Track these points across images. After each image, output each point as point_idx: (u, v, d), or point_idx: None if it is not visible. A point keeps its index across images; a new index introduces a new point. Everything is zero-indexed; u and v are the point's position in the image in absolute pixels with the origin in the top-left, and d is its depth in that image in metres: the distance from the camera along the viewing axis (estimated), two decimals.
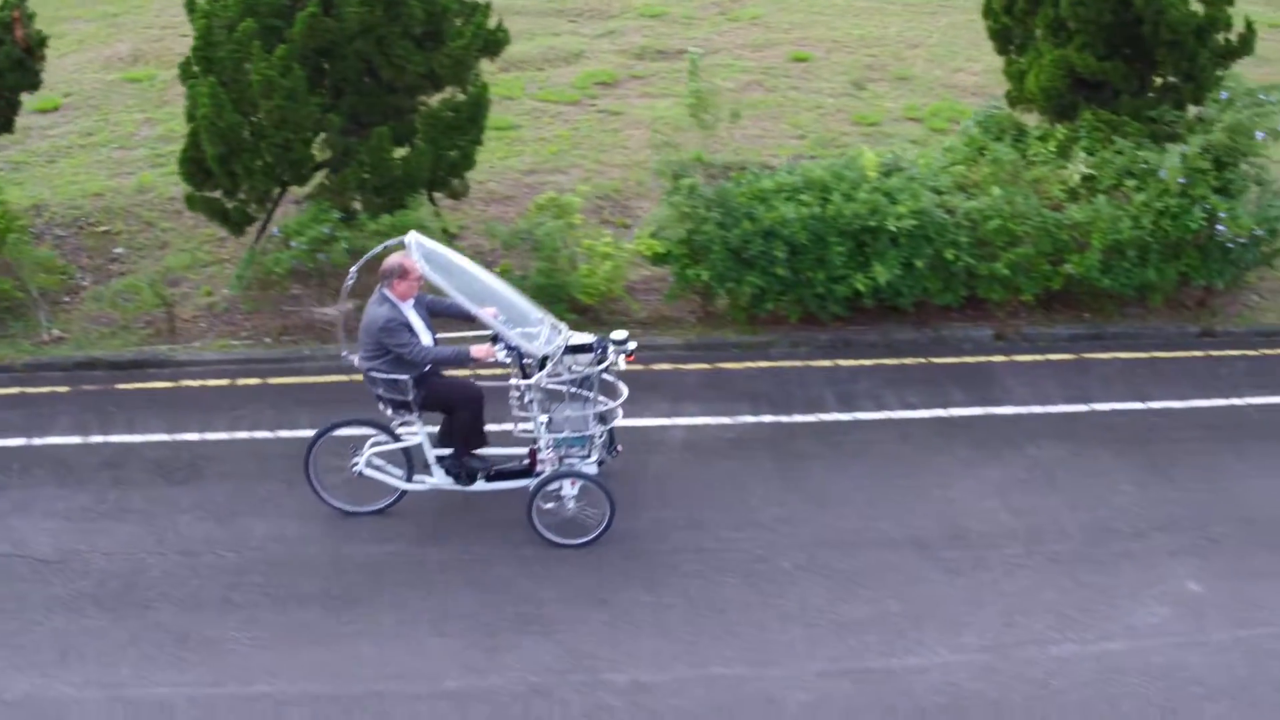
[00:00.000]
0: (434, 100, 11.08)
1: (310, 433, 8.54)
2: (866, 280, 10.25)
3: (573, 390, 8.04)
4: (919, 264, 10.33)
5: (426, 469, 8.37)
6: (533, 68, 16.46)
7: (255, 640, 7.44)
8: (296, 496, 8.53)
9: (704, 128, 10.41)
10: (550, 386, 8.01)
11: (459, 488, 8.37)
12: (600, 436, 8.15)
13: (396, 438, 8.41)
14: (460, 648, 7.46)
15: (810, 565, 8.16)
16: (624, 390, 8.27)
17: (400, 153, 10.77)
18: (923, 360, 10.42)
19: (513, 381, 8.06)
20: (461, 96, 11.00)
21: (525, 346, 7.92)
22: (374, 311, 8.02)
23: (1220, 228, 10.41)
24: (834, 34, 17.72)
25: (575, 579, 7.96)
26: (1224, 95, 10.82)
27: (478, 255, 11.11)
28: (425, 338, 8.14)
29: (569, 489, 8.09)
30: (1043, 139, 11.21)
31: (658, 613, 7.76)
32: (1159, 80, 11.51)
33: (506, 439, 8.47)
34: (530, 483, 8.22)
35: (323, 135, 10.69)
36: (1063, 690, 7.22)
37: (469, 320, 8.19)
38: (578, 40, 17.26)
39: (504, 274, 10.32)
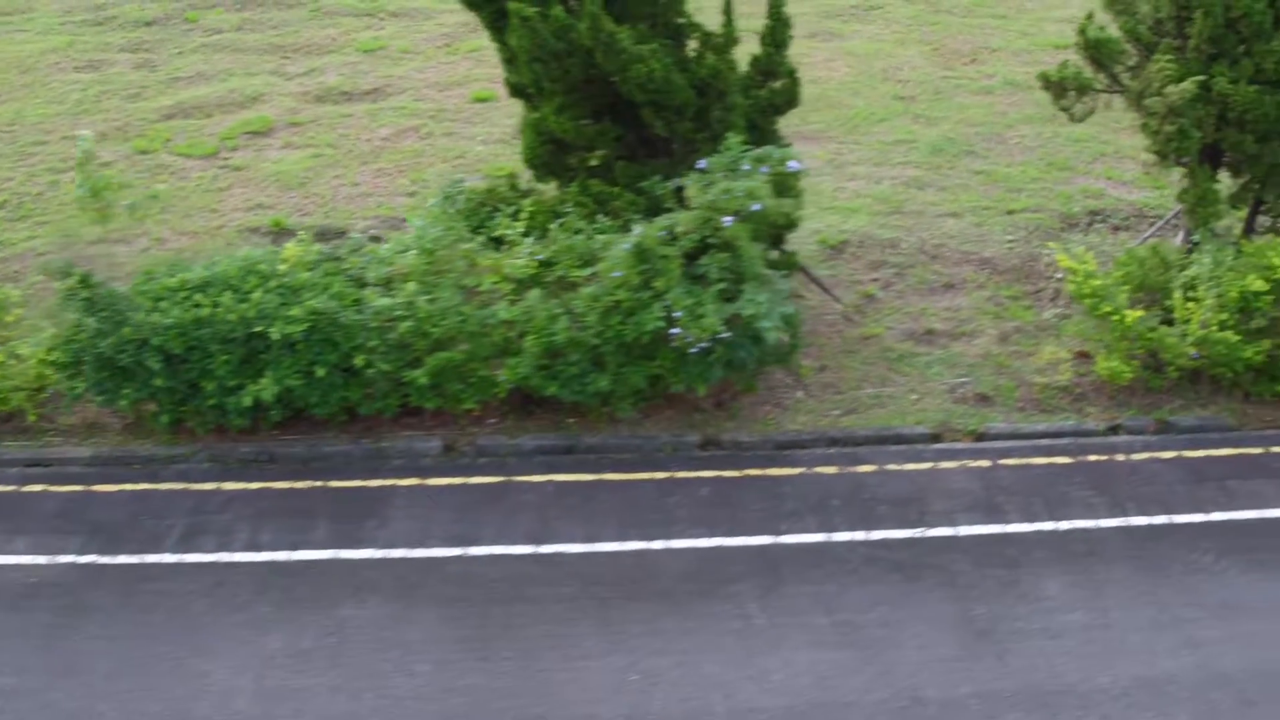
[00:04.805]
0: None
1: None
2: (256, 391, 9.12)
3: None
4: (320, 372, 9.14)
5: None
6: (202, 114, 15.62)
7: None
8: None
9: (100, 221, 9.36)
10: None
11: None
12: None
13: None
14: None
15: None
16: None
17: None
18: (319, 484, 9.04)
19: None
20: None
21: None
22: None
23: (675, 330, 8.85)
24: None
25: None
26: (702, 164, 9.19)
27: None
28: None
29: None
30: (515, 216, 9.82)
31: None
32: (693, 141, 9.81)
33: None
34: None
35: None
36: None
37: None
38: (266, 81, 16.22)
39: None
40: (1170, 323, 10.15)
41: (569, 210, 9.70)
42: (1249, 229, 11.31)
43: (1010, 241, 12.31)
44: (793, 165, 8.96)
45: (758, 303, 8.87)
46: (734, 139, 9.35)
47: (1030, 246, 12.22)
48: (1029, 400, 10.09)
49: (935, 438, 9.62)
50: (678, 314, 8.75)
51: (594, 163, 9.91)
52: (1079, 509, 8.78)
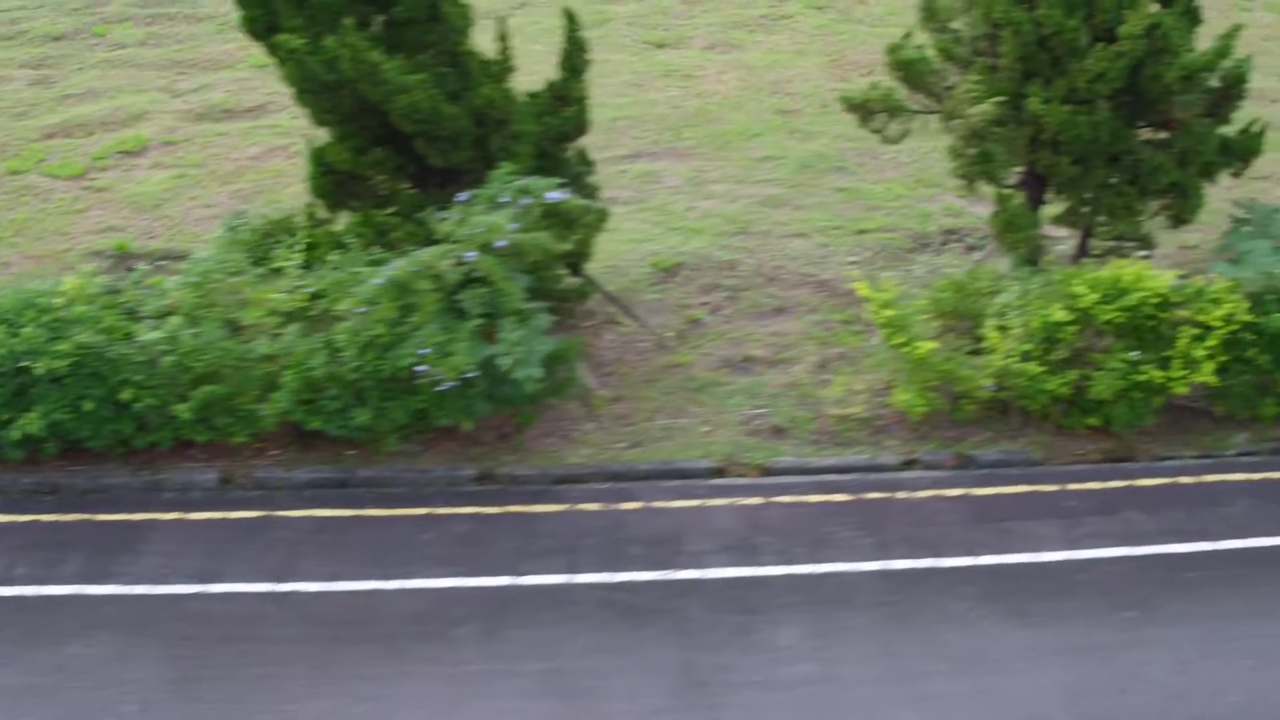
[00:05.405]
0: None
1: None
2: (24, 425, 9.09)
3: None
4: (88, 406, 9.09)
5: None
6: (83, 133, 15.69)
7: None
8: None
9: None
10: None
11: None
12: None
13: None
14: None
15: None
16: None
17: None
18: (86, 517, 9.00)
19: None
20: None
21: None
22: None
23: (421, 367, 8.65)
24: None
25: None
26: (462, 197, 9.00)
27: None
28: None
29: None
30: (291, 247, 9.70)
31: None
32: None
33: None
34: None
35: None
36: None
37: None
38: (152, 99, 16.22)
39: None
40: (980, 352, 9.91)
41: (351, 241, 9.66)
42: (1081, 252, 10.98)
43: (853, 263, 12.00)
44: (551, 196, 8.77)
45: (511, 343, 8.72)
46: (503, 169, 9.18)
47: (874, 268, 11.87)
48: (825, 433, 9.82)
49: (718, 472, 9.38)
50: (425, 350, 8.68)
51: (384, 192, 9.87)
52: (841, 551, 8.53)
